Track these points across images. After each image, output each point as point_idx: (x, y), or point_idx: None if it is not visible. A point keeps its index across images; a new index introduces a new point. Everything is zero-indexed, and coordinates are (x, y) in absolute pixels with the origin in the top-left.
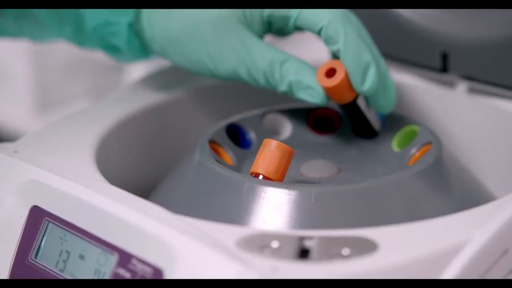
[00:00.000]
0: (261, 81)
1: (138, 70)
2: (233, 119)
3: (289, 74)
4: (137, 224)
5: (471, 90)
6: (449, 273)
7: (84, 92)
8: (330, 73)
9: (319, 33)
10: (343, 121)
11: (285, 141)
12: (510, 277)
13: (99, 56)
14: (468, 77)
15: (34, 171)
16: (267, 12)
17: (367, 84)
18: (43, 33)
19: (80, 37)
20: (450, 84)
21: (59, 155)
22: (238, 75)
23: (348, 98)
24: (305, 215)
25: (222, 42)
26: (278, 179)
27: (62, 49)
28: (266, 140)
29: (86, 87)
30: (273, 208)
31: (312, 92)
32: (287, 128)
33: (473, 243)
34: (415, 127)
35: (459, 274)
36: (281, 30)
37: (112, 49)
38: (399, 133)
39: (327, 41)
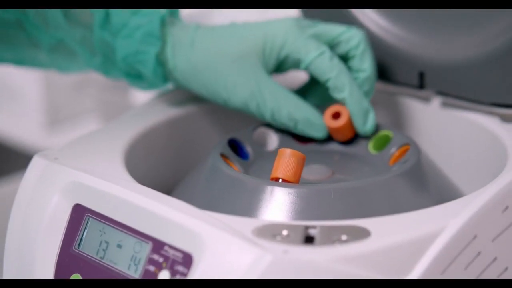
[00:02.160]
0: (268, 116)
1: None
2: (232, 134)
3: (296, 113)
4: (168, 216)
5: (444, 104)
6: (429, 255)
7: (92, 108)
8: (336, 116)
9: (326, 82)
10: None
11: (274, 151)
12: (479, 259)
13: None
14: (441, 93)
15: (74, 174)
16: (284, 53)
17: (368, 126)
18: (73, 64)
19: (108, 66)
20: (426, 99)
21: (94, 160)
22: (248, 108)
23: (348, 137)
24: (316, 208)
25: (240, 77)
26: (295, 181)
27: None
28: (281, 150)
29: (94, 103)
30: (292, 203)
31: (317, 128)
32: (275, 139)
33: (448, 229)
34: (388, 132)
35: (438, 255)
36: (286, 69)
37: (136, 77)
38: (374, 138)
39: (334, 90)
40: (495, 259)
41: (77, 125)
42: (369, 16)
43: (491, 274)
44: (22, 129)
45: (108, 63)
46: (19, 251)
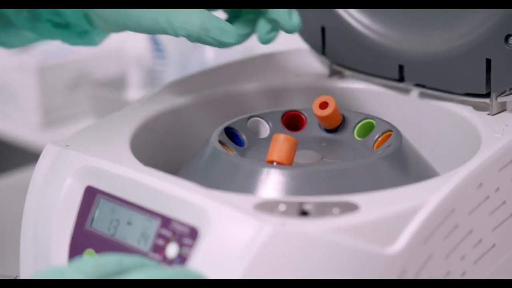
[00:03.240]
0: (178, 28)
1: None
2: (228, 123)
3: (208, 22)
4: (175, 193)
5: (422, 95)
6: (412, 227)
7: (86, 107)
8: (323, 105)
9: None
10: (308, 120)
11: (267, 138)
12: (457, 231)
13: (101, 73)
14: (419, 85)
15: (85, 158)
16: None
17: (294, 20)
18: (8, 35)
19: (36, 19)
20: (406, 91)
21: (102, 146)
22: (158, 24)
23: (335, 124)
24: (308, 187)
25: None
26: (289, 164)
27: (66, 67)
28: (276, 135)
29: (89, 102)
30: (287, 183)
31: (228, 34)
32: (267, 128)
33: (429, 204)
34: (372, 120)
35: (420, 227)
36: None
37: (64, 27)
38: (359, 125)
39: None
40: (471, 231)
41: (72, 123)
42: (352, 15)
43: (468, 245)
44: (18, 128)
45: (35, 15)
46: (35, 231)
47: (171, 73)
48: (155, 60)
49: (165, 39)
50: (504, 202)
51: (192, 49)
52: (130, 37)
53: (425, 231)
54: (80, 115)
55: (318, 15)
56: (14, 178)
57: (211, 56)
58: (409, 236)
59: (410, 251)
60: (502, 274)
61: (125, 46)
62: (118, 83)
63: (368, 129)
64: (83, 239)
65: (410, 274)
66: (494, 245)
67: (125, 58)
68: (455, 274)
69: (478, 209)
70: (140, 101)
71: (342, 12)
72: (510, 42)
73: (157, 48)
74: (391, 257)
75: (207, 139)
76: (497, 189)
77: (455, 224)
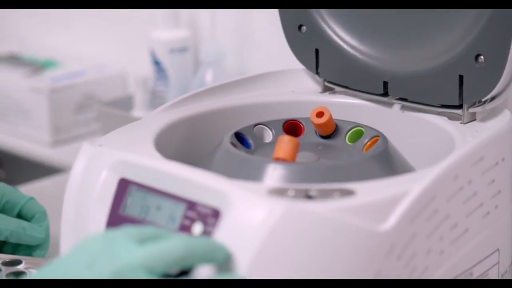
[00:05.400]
0: None
1: (144, 109)
2: (237, 129)
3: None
4: (199, 180)
5: (404, 107)
6: (400, 209)
7: (93, 127)
8: (319, 115)
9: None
10: (305, 128)
11: (270, 143)
12: (437, 215)
13: (106, 95)
14: (401, 98)
15: (118, 154)
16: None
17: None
18: None
19: None
20: (389, 104)
21: (131, 145)
22: None
23: (329, 131)
24: (309, 181)
25: None
26: (292, 160)
27: (75, 89)
28: (281, 137)
29: (97, 121)
30: (291, 177)
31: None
32: (270, 134)
33: (414, 191)
34: (361, 128)
35: (406, 210)
36: None
37: None
38: (350, 132)
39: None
40: (448, 216)
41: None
42: (343, 38)
43: (445, 227)
44: (30, 144)
45: None
46: (75, 217)
47: (172, 94)
48: (158, 82)
49: (166, 62)
50: (475, 193)
51: (192, 72)
52: (134, 61)
53: (410, 213)
54: (86, 134)
55: (312, 38)
56: (25, 189)
57: (209, 78)
58: (397, 217)
59: (398, 229)
60: (474, 255)
61: (129, 70)
62: (124, 103)
63: (358, 135)
64: (117, 223)
65: (398, 249)
66: (467, 229)
67: (130, 81)
68: (435, 252)
69: (454, 198)
70: (158, 111)
71: (334, 36)
72: (480, 60)
73: (160, 70)
74: (382, 233)
75: (220, 141)
76: (470, 181)
77: (435, 209)
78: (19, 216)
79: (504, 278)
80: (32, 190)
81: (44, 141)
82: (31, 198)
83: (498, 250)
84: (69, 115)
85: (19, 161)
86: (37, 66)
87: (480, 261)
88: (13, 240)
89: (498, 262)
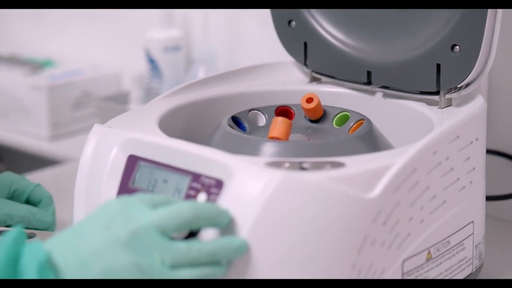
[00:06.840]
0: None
1: (140, 104)
2: (234, 113)
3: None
4: (203, 154)
5: (386, 95)
6: (385, 180)
7: (90, 122)
8: (309, 100)
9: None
10: (296, 113)
11: (264, 126)
12: (418, 186)
13: (103, 91)
14: (384, 87)
15: (127, 133)
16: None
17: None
18: None
19: None
20: (373, 92)
21: (138, 126)
22: None
23: (318, 116)
24: (303, 155)
25: None
26: (286, 139)
27: (73, 87)
28: (275, 118)
29: (95, 115)
30: (285, 154)
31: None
32: (263, 118)
33: (397, 163)
34: (347, 113)
35: (390, 180)
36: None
37: None
38: (337, 117)
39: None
40: (428, 187)
41: (76, 136)
42: (329, 32)
43: (425, 198)
44: (30, 139)
45: None
46: (87, 190)
47: (166, 90)
48: (152, 79)
49: (160, 60)
50: (452, 169)
51: (185, 70)
52: (130, 59)
53: (394, 184)
54: (83, 129)
55: (301, 33)
56: None
57: (201, 75)
58: (383, 186)
59: (384, 197)
60: (451, 225)
61: (124, 68)
62: (120, 99)
63: (344, 119)
64: (128, 193)
65: (384, 215)
66: (444, 201)
67: (125, 79)
68: (416, 220)
69: (433, 171)
70: (158, 99)
71: (321, 30)
72: (455, 50)
73: (154, 68)
74: (369, 200)
75: (218, 124)
76: (447, 157)
77: (416, 181)
78: (27, 202)
79: (478, 248)
80: (32, 180)
81: (43, 136)
82: (38, 185)
83: (472, 222)
84: (67, 111)
85: (19, 154)
86: (36, 65)
87: (457, 231)
88: (23, 224)
89: (473, 233)
